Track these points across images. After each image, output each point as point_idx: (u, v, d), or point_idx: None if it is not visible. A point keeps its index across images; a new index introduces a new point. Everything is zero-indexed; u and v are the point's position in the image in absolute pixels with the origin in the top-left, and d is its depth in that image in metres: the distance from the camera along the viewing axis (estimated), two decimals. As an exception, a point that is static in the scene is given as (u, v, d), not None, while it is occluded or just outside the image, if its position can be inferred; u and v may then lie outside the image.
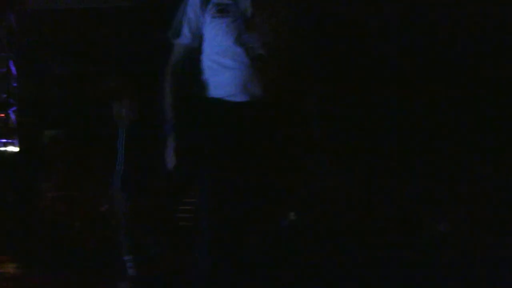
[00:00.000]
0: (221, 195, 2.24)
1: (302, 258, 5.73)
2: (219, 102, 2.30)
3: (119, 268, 4.48)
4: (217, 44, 2.29)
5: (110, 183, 4.50)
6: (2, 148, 8.33)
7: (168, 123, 2.32)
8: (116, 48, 8.09)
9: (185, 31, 2.34)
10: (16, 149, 8.45)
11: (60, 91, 8.91)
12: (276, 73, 2.37)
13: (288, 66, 2.42)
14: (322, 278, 4.69)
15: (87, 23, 8.14)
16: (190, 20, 2.32)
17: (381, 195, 8.42)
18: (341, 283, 4.60)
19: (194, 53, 2.38)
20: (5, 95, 8.44)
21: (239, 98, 2.28)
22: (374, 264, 5.22)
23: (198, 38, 2.33)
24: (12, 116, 8.49)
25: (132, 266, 4.35)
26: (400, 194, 7.97)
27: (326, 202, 8.34)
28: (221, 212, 2.24)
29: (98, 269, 5.32)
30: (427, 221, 7.60)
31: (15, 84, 8.58)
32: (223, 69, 2.29)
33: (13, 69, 8.51)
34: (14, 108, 8.52)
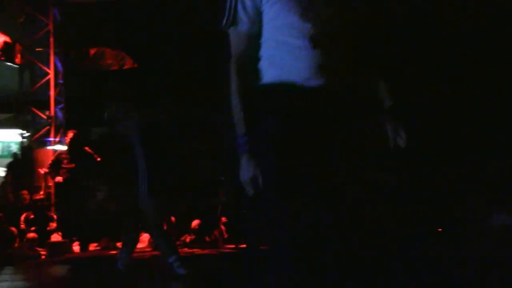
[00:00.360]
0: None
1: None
2: (291, 89, 1.89)
3: (167, 269, 4.45)
4: (279, 23, 1.89)
5: (137, 192, 4.45)
6: (50, 147, 8.20)
7: (241, 139, 1.90)
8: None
9: (241, 15, 1.93)
10: (64, 147, 8.32)
11: (107, 88, 8.82)
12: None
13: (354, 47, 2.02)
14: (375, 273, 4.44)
15: (134, 14, 7.98)
16: (244, 2, 1.92)
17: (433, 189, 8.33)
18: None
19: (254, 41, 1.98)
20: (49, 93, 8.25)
21: (315, 81, 1.88)
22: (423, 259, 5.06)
23: (257, 22, 1.93)
24: (59, 114, 8.36)
25: (179, 265, 4.36)
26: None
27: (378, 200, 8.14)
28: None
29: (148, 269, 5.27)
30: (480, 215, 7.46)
31: (61, 81, 8.45)
32: (292, 49, 1.88)
33: (59, 66, 8.39)
34: (61, 106, 8.40)
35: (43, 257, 6.39)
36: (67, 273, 5.82)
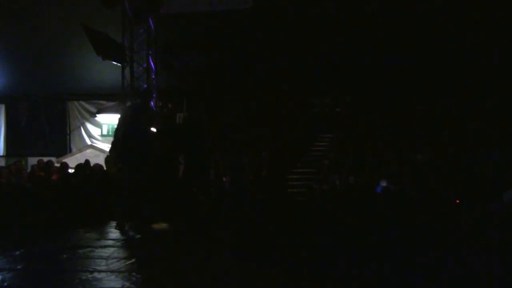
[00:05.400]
0: None
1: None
2: None
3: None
4: None
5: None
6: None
7: None
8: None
9: None
10: (154, 129, 10.05)
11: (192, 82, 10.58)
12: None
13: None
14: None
15: (215, 24, 9.70)
16: None
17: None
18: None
19: None
20: (145, 85, 10.05)
21: None
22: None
23: None
24: (152, 103, 9.96)
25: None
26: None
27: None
28: None
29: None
30: None
31: (153, 76, 10.26)
32: None
33: (152, 64, 10.20)
34: (153, 96, 10.04)
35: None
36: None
